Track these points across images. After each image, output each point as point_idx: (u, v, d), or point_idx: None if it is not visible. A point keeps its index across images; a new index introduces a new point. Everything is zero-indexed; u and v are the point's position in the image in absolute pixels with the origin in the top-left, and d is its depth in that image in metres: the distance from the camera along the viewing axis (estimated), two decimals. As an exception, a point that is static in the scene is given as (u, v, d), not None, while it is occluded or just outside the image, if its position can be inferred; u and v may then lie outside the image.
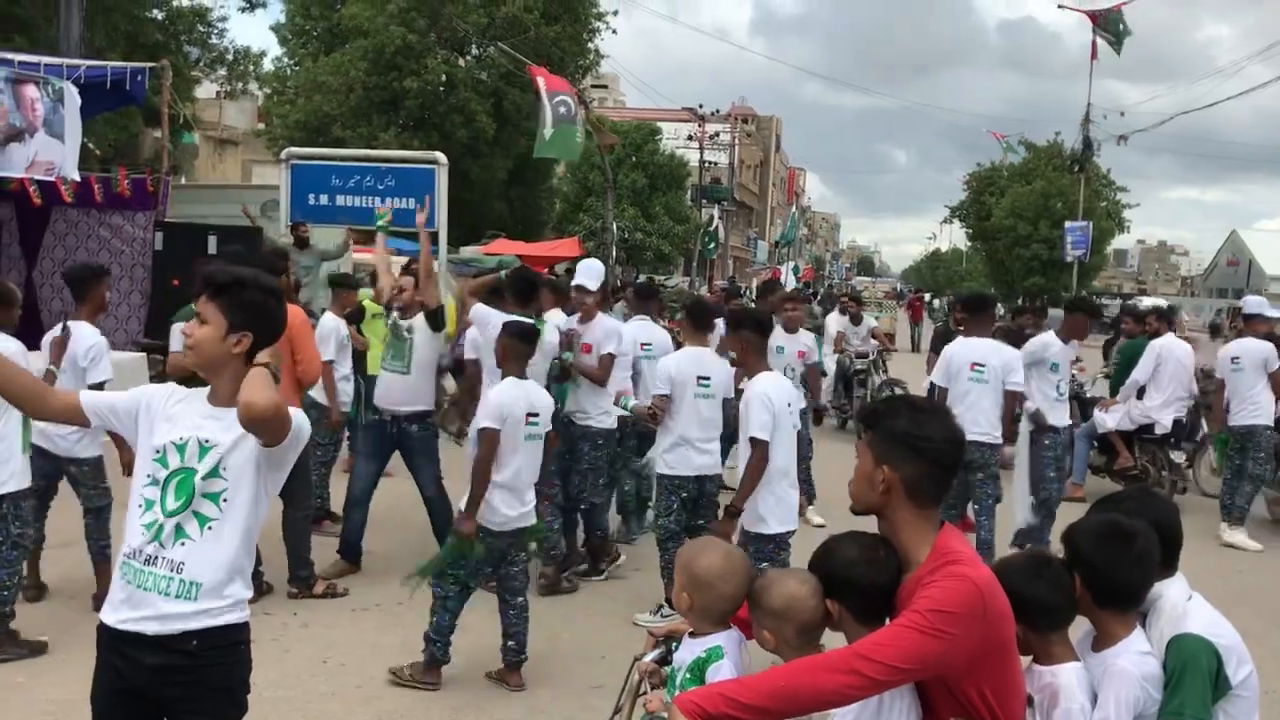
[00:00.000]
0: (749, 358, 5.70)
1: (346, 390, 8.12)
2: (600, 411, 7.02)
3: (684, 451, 6.16)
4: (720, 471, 6.52)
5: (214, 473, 2.79)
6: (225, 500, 2.80)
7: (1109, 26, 33.48)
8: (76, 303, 5.95)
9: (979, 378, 7.09)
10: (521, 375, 5.44)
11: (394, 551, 7.34)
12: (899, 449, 2.48)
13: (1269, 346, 9.00)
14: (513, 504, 5.25)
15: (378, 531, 7.40)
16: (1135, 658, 2.69)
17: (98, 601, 4.76)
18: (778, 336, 8.02)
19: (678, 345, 7.48)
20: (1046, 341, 7.96)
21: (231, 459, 2.79)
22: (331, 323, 8.20)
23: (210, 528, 2.78)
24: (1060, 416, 7.81)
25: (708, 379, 6.23)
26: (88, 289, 5.92)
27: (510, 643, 5.37)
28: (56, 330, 5.65)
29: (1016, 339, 8.42)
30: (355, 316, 8.76)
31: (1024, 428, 7.72)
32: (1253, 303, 9.90)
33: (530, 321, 5.94)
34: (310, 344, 6.49)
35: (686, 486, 6.18)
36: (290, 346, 6.12)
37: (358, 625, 6.07)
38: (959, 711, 2.40)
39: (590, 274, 7.24)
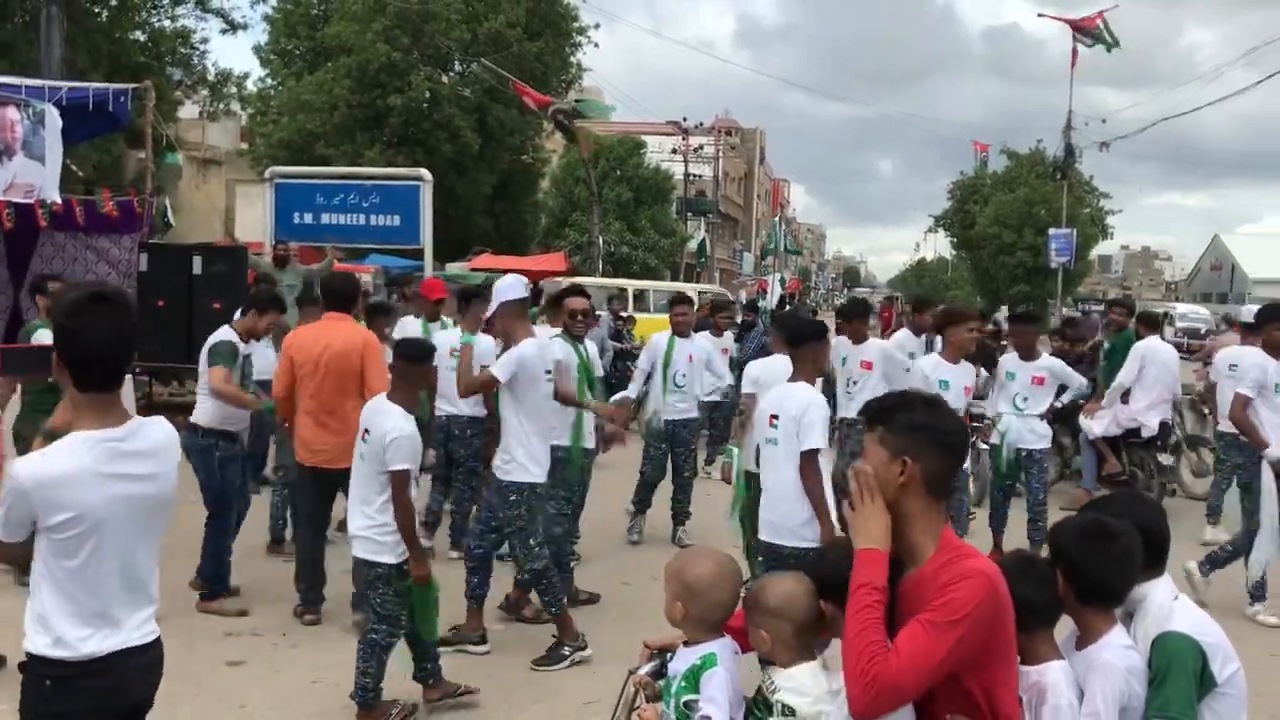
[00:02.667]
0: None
1: None
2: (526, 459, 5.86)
3: None
4: None
5: None
6: None
7: (1095, 36, 33.62)
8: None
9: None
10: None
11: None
12: (922, 442, 2.50)
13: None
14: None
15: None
16: (1118, 651, 2.73)
17: None
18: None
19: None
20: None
21: None
22: None
23: None
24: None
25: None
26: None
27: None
28: None
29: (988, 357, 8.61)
30: None
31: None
32: (1251, 311, 9.93)
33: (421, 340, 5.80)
34: (380, 364, 6.44)
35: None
36: (362, 365, 6.25)
37: (349, 645, 6.03)
38: (959, 709, 2.42)
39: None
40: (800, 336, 5.51)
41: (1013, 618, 2.46)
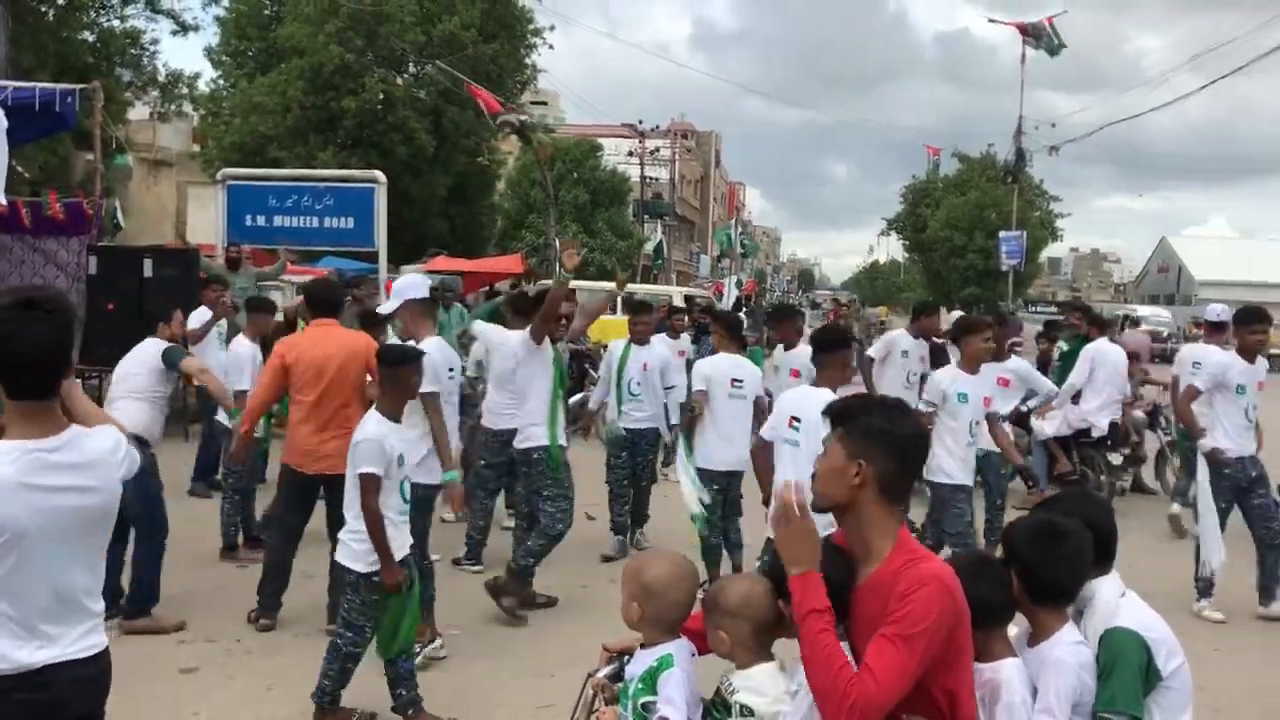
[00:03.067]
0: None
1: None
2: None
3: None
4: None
5: None
6: None
7: (1041, 40, 34.14)
8: None
9: (739, 394, 7.26)
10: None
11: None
12: (876, 445, 2.55)
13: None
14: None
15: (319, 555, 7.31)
16: (1070, 648, 2.79)
17: None
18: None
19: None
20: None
21: None
22: (246, 349, 8.00)
23: None
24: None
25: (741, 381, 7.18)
26: None
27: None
28: None
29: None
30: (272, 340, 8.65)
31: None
32: (1215, 311, 10.06)
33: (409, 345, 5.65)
34: None
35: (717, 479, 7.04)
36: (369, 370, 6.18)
37: (303, 651, 5.98)
38: (920, 711, 2.45)
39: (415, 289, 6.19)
40: (826, 344, 5.81)
41: (969, 618, 2.51)
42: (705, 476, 7.00)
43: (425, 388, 5.49)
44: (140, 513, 6.03)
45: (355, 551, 4.89)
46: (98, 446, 2.80)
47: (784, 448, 5.56)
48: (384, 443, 4.87)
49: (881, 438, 2.55)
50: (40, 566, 2.67)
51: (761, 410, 7.19)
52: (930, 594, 2.40)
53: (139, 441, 6.07)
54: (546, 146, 23.88)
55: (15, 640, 2.65)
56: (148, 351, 6.46)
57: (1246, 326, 7.30)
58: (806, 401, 5.41)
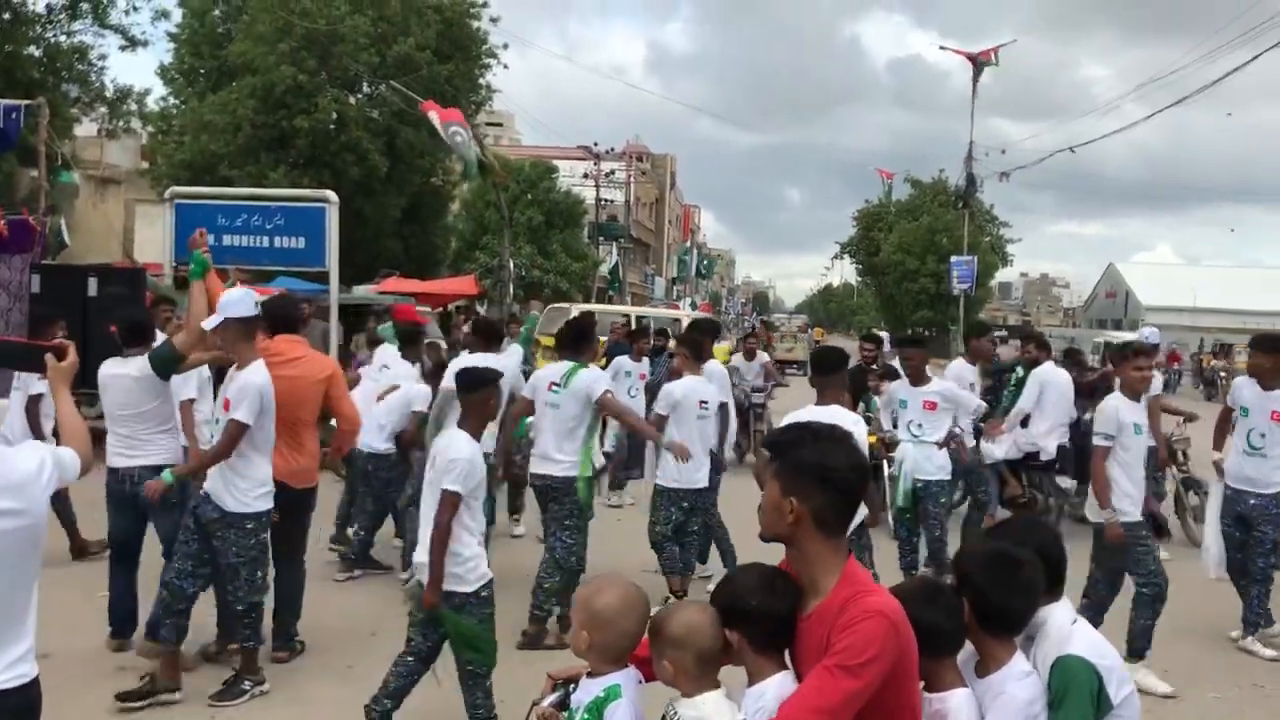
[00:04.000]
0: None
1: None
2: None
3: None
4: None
5: None
6: None
7: (982, 66, 34.78)
8: None
9: (705, 414, 7.52)
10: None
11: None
12: (806, 480, 2.51)
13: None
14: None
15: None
16: (1019, 683, 2.77)
17: None
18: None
19: None
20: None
21: None
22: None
23: None
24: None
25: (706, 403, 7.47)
26: None
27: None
28: None
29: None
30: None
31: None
32: (1146, 333, 10.24)
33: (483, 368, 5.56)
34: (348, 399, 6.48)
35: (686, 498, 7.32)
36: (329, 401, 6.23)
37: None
38: None
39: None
40: (826, 366, 6.24)
41: (915, 649, 2.49)
42: (674, 496, 7.29)
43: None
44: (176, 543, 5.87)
45: (456, 575, 4.78)
46: (24, 466, 2.71)
47: None
48: (476, 464, 4.85)
49: (812, 472, 2.51)
50: None
51: (729, 418, 7.86)
52: (873, 627, 2.37)
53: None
54: (499, 171, 23.85)
55: None
56: (144, 373, 5.87)
57: (1130, 362, 6.71)
58: (823, 419, 5.43)
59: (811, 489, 2.50)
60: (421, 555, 4.84)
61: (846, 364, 6.24)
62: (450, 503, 4.74)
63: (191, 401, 7.34)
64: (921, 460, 7.66)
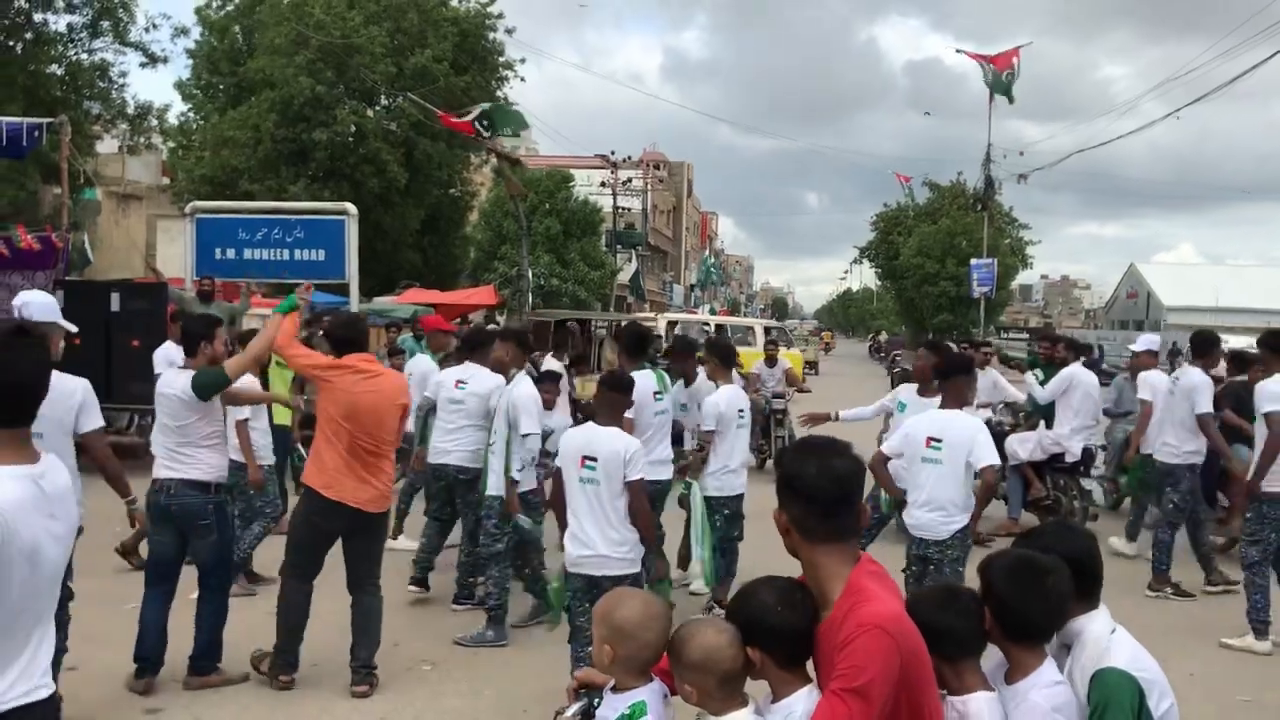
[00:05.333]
0: None
1: (264, 444, 7.93)
2: None
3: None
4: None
5: None
6: None
7: (997, 85, 34.09)
8: None
9: (744, 423, 7.65)
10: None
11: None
12: (783, 490, 2.59)
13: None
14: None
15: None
16: (1045, 691, 2.72)
17: None
18: None
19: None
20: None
21: None
22: (245, 382, 7.95)
23: None
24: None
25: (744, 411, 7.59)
26: None
27: None
28: None
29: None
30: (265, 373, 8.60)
31: None
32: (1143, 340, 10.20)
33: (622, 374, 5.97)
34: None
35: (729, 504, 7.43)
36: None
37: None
38: None
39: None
40: (951, 370, 6.34)
41: (924, 653, 2.46)
42: (717, 503, 7.40)
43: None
44: (217, 562, 5.85)
45: (626, 560, 5.21)
46: (63, 481, 2.75)
47: (922, 467, 5.95)
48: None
49: (787, 482, 2.59)
50: (30, 597, 2.59)
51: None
52: (867, 642, 2.35)
53: (217, 489, 5.84)
54: (516, 184, 23.95)
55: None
56: (185, 385, 5.75)
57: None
58: (949, 426, 5.93)
59: (787, 499, 2.58)
60: (578, 549, 5.21)
61: (970, 368, 6.40)
62: (642, 488, 5.25)
63: (245, 421, 7.38)
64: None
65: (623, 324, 8.20)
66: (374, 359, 6.28)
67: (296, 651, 5.87)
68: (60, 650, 4.52)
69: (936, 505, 5.87)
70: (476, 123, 18.49)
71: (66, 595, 4.81)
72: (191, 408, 5.71)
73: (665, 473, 7.26)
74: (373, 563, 6.01)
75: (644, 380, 6.85)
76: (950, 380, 6.19)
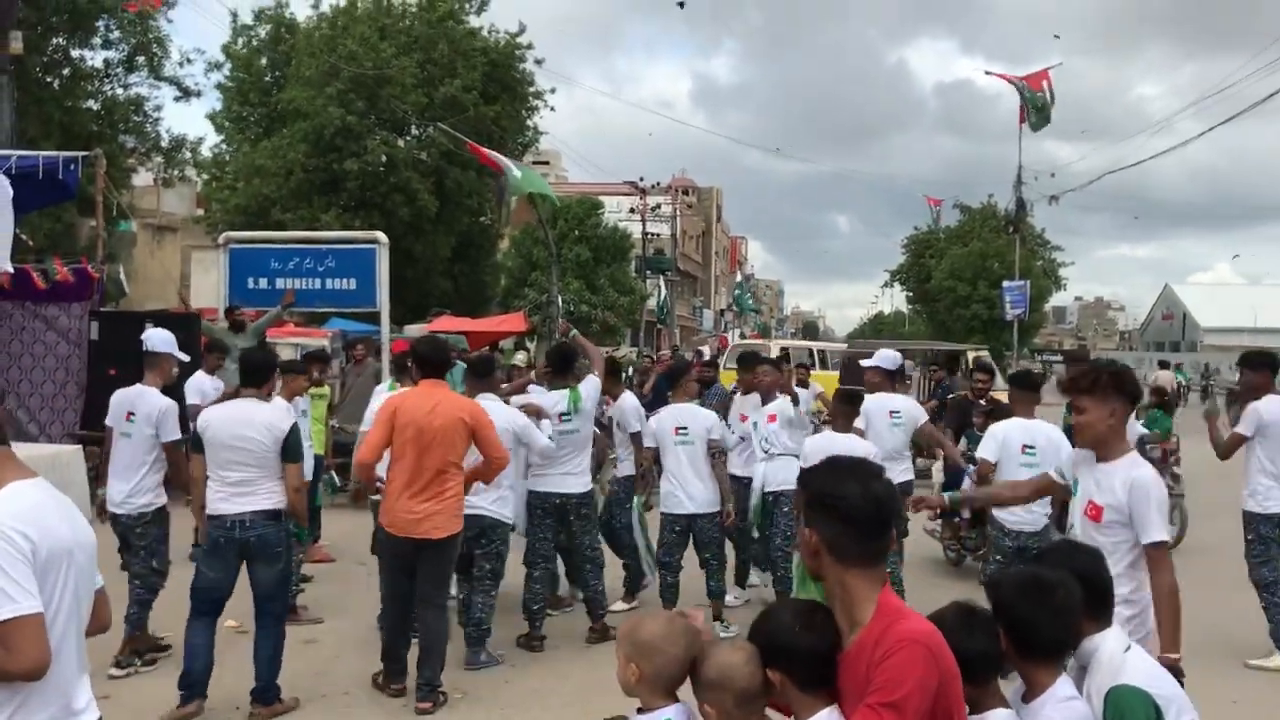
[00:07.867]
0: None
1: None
2: None
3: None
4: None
5: None
6: None
7: (1032, 107, 33.82)
8: None
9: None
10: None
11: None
12: (817, 510, 2.48)
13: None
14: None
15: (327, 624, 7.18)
16: (1059, 706, 2.70)
17: None
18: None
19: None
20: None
21: None
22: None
23: None
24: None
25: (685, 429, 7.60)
26: None
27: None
28: None
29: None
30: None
31: None
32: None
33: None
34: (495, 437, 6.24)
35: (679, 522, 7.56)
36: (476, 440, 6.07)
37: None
38: None
39: None
40: (1023, 383, 7.58)
41: (957, 675, 2.42)
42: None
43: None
44: (278, 591, 5.86)
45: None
46: (61, 495, 2.73)
47: (1019, 470, 6.76)
48: None
49: (821, 501, 2.48)
50: (72, 615, 2.57)
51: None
52: (907, 656, 2.31)
53: (278, 515, 5.82)
54: (529, 212, 24.11)
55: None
56: (270, 420, 5.84)
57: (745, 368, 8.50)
58: (1032, 430, 7.02)
59: (823, 518, 2.47)
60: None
61: (1042, 384, 7.35)
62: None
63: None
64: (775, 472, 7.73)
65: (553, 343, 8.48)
66: (443, 384, 6.24)
67: (404, 660, 6.14)
68: None
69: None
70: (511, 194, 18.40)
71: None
72: (271, 446, 5.75)
73: (580, 485, 7.31)
74: (441, 583, 6.19)
75: (553, 400, 7.30)
76: (1028, 394, 7.40)
